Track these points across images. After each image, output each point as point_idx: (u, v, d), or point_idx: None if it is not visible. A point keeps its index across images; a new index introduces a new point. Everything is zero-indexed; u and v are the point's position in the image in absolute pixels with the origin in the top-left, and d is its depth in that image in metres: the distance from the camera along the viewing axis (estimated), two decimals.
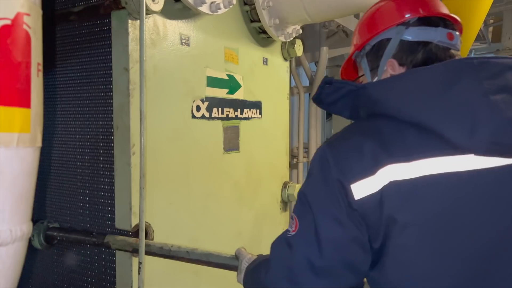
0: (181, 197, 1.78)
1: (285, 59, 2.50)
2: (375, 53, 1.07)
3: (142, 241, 1.50)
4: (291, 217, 0.94)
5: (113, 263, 1.65)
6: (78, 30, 1.69)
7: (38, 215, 1.87)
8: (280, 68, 2.47)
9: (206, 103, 1.87)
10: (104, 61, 1.61)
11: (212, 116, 1.92)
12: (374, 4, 1.17)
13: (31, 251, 1.72)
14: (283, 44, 2.45)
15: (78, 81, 1.70)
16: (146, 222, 1.62)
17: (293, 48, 2.42)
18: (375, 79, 1.06)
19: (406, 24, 1.02)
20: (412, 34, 1.01)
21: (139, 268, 1.50)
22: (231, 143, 2.04)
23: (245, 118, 2.15)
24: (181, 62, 1.76)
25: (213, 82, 1.91)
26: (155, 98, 1.65)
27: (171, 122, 1.72)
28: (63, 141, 1.78)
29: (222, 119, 1.98)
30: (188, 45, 1.79)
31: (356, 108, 1.00)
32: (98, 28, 1.63)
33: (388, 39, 1.04)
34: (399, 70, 1.01)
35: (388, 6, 1.10)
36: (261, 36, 2.23)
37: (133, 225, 1.58)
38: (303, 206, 0.90)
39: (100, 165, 1.66)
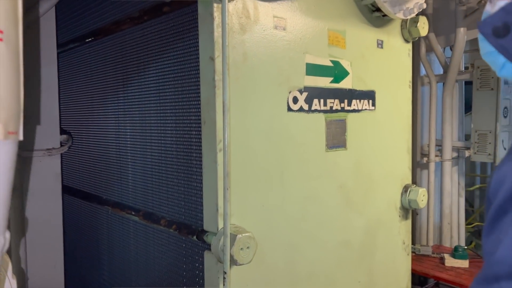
0: (275, 199, 1.60)
1: (406, 41, 2.11)
2: None
3: (227, 247, 1.36)
4: None
5: (202, 264, 1.54)
6: (170, 21, 1.63)
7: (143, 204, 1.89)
8: (399, 51, 2.10)
9: (304, 94, 1.65)
10: (193, 51, 1.52)
11: (312, 108, 1.68)
12: None
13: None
14: (403, 22, 2.07)
15: (172, 75, 1.64)
16: (235, 225, 1.48)
17: (416, 27, 2.03)
18: None
19: None
20: None
21: (224, 278, 1.37)
22: (336, 139, 1.78)
23: (354, 111, 1.86)
24: (275, 48, 1.56)
25: (313, 69, 1.68)
26: (245, 89, 1.49)
27: (264, 115, 1.55)
28: (160, 136, 1.75)
29: (324, 111, 1.73)
30: (284, 29, 1.59)
31: None
32: (188, 16, 1.54)
33: None
34: None
35: None
36: (375, 15, 1.91)
37: (219, 227, 1.45)
38: None
39: (193, 161, 1.58)
